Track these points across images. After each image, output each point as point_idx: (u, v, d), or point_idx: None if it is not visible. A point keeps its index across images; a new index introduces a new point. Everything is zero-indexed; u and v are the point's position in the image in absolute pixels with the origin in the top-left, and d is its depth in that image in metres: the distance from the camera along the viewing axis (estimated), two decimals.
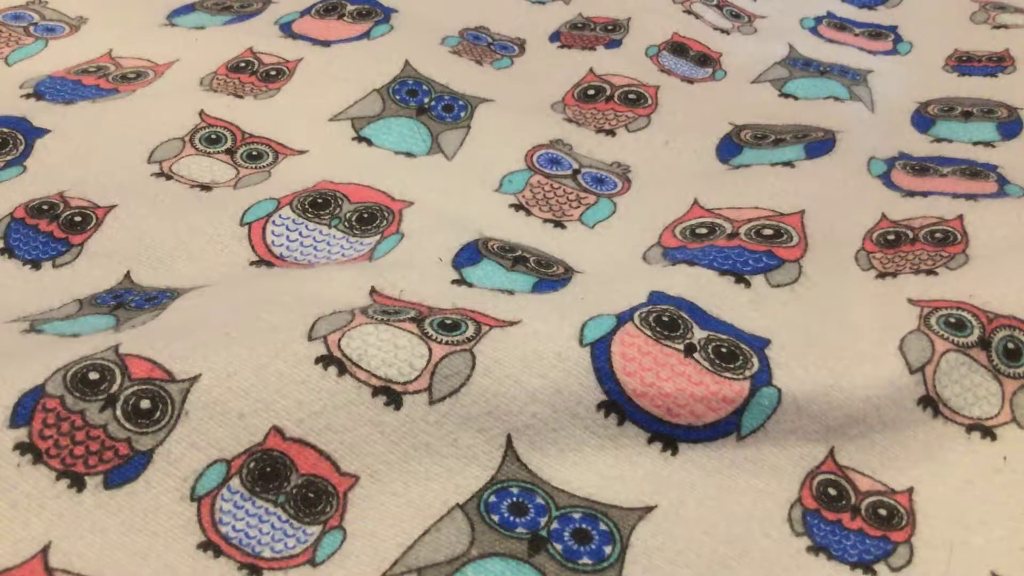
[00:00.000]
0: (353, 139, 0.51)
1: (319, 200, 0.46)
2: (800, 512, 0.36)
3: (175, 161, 0.49)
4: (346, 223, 0.46)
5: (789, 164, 0.51)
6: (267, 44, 0.58)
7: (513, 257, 0.44)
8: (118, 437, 0.33)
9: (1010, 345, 0.39)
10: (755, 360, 0.38)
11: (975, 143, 0.54)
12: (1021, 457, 0.38)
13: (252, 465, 0.34)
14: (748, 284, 0.42)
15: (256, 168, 0.49)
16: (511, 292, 0.41)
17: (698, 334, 0.38)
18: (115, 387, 0.34)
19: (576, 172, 0.51)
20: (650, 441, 0.37)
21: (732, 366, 0.37)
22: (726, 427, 0.37)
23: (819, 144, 0.53)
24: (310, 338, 0.36)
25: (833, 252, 0.45)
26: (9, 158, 0.48)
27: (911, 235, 0.46)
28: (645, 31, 0.63)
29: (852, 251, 0.46)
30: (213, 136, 0.51)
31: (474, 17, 0.63)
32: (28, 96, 0.53)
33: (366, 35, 0.59)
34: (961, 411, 0.38)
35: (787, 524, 0.36)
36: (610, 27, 0.64)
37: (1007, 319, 0.40)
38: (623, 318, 0.38)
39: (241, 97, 0.54)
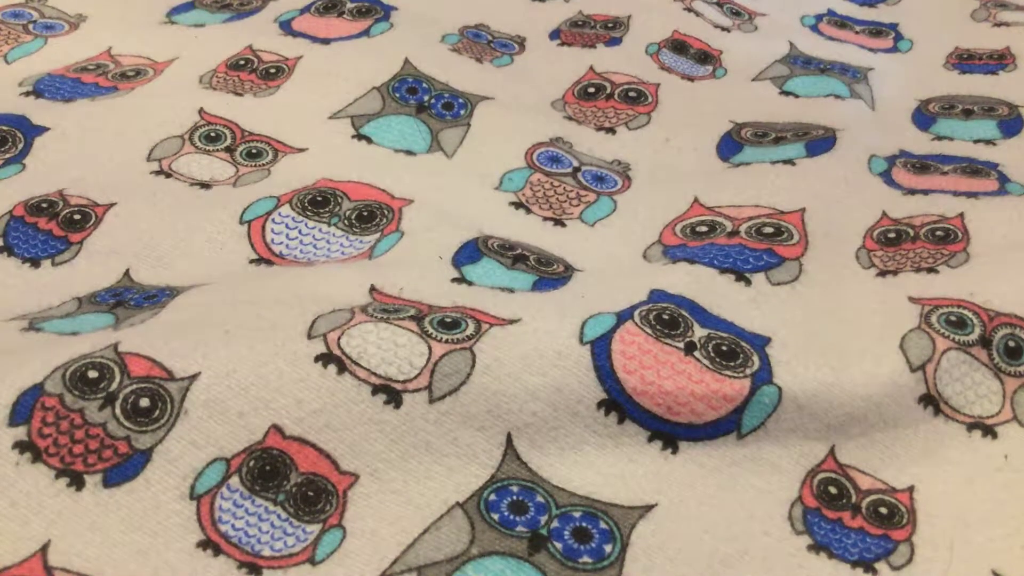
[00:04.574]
0: (353, 137, 0.51)
1: (319, 198, 0.46)
2: (800, 511, 0.36)
3: (174, 159, 0.49)
4: (346, 221, 0.46)
5: (790, 162, 0.51)
6: (267, 42, 0.58)
7: (513, 255, 0.44)
8: (117, 435, 0.33)
9: (1011, 343, 0.39)
10: (755, 358, 0.37)
11: (976, 141, 0.54)
12: (1022, 455, 0.38)
13: (251, 463, 0.34)
14: (748, 282, 0.42)
15: (256, 166, 0.49)
16: (511, 290, 0.41)
17: (698, 332, 0.38)
18: (114, 385, 0.34)
19: (576, 170, 0.51)
20: (650, 439, 0.37)
21: (732, 364, 0.37)
22: (726, 425, 0.37)
23: (820, 142, 0.53)
24: (310, 336, 0.36)
25: (834, 250, 0.45)
26: (8, 156, 0.48)
27: (912, 233, 0.46)
28: (645, 29, 0.63)
29: (853, 249, 0.46)
30: (212, 134, 0.51)
31: (474, 15, 0.63)
32: (27, 94, 0.53)
33: (366, 33, 0.59)
34: (962, 409, 0.38)
35: (787, 523, 0.36)
36: (610, 25, 0.63)
37: (1008, 317, 0.40)
38: (623, 316, 0.38)
39: (241, 95, 0.53)
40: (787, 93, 0.58)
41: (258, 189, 0.47)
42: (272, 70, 0.55)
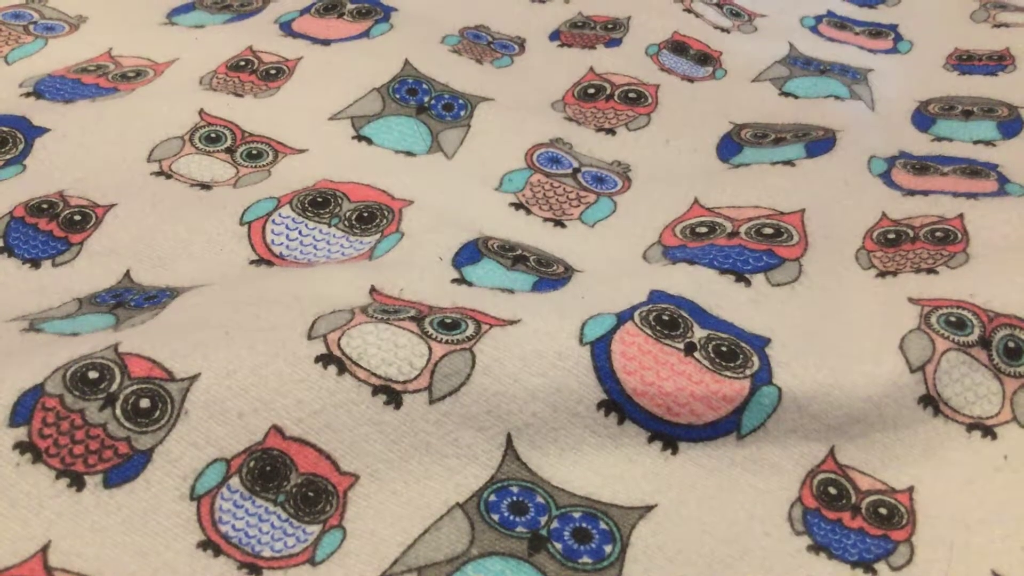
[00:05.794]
0: (353, 138, 0.51)
1: (319, 199, 0.46)
2: (800, 511, 0.36)
3: (175, 160, 0.49)
4: (346, 222, 0.46)
5: (789, 163, 0.51)
6: (267, 43, 0.58)
7: (513, 256, 0.44)
8: (118, 436, 0.33)
9: (1010, 344, 0.39)
10: (755, 359, 0.38)
11: (975, 142, 0.54)
12: (1021, 456, 0.38)
13: (252, 464, 0.34)
14: (748, 283, 0.42)
15: (256, 167, 0.49)
16: (511, 291, 0.41)
17: (698, 333, 0.38)
18: (115, 386, 0.34)
19: (576, 171, 0.51)
20: (650, 440, 0.37)
21: (732, 365, 0.37)
22: (726, 426, 0.37)
23: (819, 143, 0.53)
24: (310, 337, 0.36)
25: (833, 251, 0.45)
26: (9, 157, 0.48)
27: (911, 234, 0.46)
28: (645, 30, 0.63)
29: (853, 250, 0.46)
30: (213, 135, 0.51)
31: (474, 16, 0.63)
32: (28, 95, 0.53)
33: (366, 34, 0.59)
34: (962, 410, 0.38)
35: (787, 523, 0.36)
36: (610, 26, 0.64)
37: (1007, 318, 0.40)
38: (623, 317, 0.38)
39: (241, 96, 0.53)
40: (787, 94, 0.58)
41: (258, 190, 0.47)
42: (272, 71, 0.55)
